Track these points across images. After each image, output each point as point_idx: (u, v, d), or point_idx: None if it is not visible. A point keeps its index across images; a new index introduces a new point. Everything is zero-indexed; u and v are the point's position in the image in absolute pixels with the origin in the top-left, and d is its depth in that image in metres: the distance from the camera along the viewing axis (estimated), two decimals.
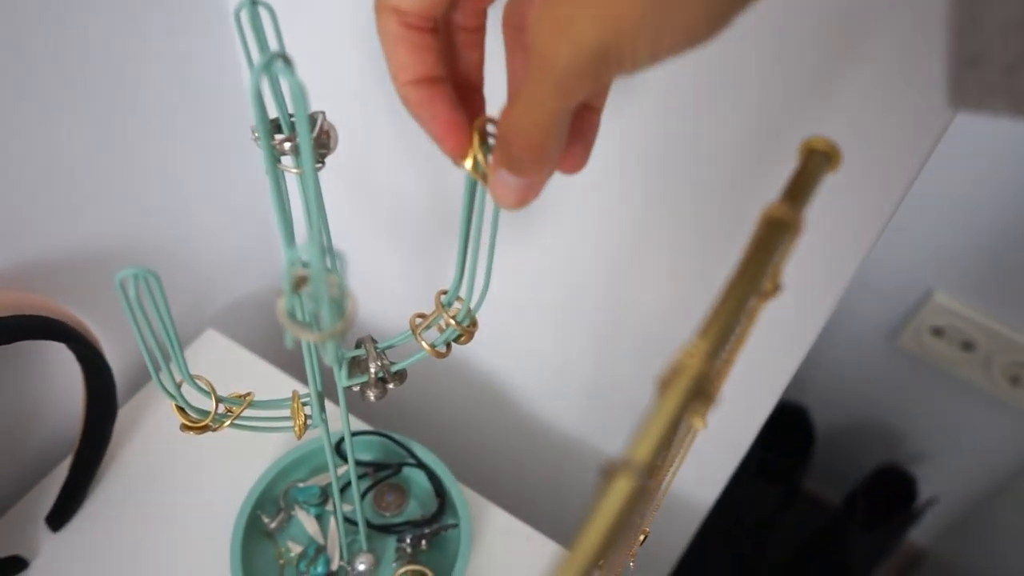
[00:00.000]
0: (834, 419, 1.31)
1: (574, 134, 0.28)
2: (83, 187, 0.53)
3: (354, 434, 0.62)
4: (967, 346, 1.08)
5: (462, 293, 0.39)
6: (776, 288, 0.27)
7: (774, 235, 0.24)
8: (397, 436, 0.61)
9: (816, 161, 0.26)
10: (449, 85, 0.29)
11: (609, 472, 0.19)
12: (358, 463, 0.61)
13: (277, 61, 0.27)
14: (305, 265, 0.27)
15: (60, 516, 0.57)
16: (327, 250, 0.26)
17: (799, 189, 0.25)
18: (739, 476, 1.17)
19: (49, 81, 0.47)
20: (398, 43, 0.28)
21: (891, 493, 1.21)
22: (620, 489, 0.19)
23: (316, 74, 0.55)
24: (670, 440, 0.22)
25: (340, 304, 0.27)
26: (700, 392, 0.21)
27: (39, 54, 0.46)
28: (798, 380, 1.30)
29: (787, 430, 1.24)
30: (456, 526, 0.58)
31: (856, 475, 1.30)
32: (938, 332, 1.09)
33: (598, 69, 0.23)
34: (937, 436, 1.24)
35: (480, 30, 0.30)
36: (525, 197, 0.29)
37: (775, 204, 0.24)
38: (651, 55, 0.22)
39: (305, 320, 0.36)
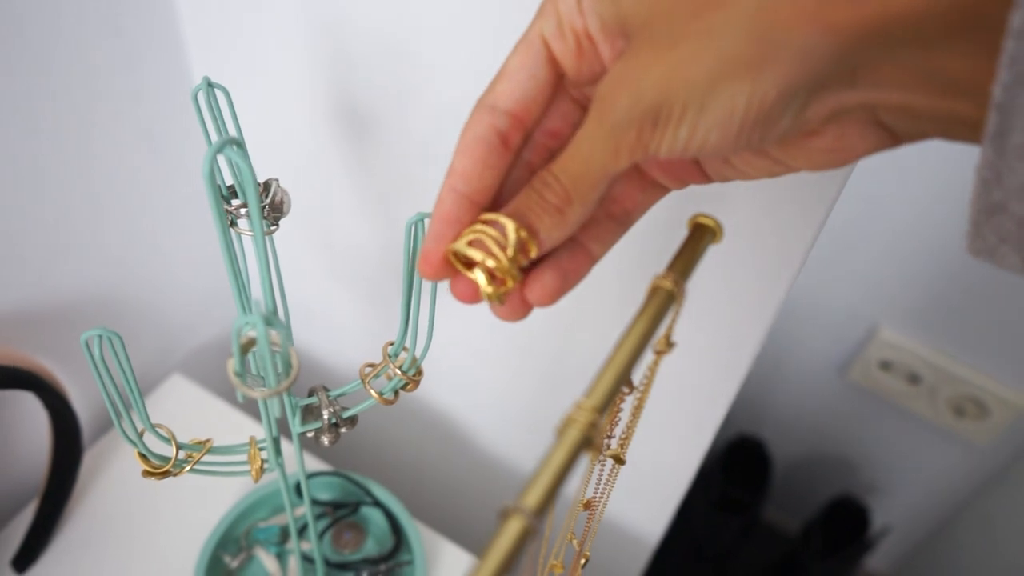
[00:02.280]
0: (791, 451, 1.35)
1: (557, 265, 0.29)
2: (51, 240, 0.56)
3: (313, 475, 0.64)
4: (913, 379, 1.13)
5: (408, 344, 0.42)
6: (670, 345, 0.30)
7: (659, 301, 0.27)
8: (354, 476, 0.64)
9: (701, 234, 0.29)
10: (475, 214, 0.29)
11: (504, 514, 0.22)
12: (316, 503, 0.64)
13: (229, 145, 0.30)
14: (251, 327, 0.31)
15: (26, 558, 0.59)
16: (269, 315, 0.29)
17: (684, 260, 0.29)
18: (699, 507, 1.21)
19: (18, 139, 0.50)
20: (476, 146, 0.28)
21: (846, 522, 1.24)
22: (512, 529, 0.22)
23: (275, 135, 0.58)
24: (569, 481, 0.25)
25: (285, 363, 0.30)
26: (587, 443, 0.24)
27: (6, 117, 0.49)
28: (755, 414, 1.34)
29: (746, 462, 1.28)
30: (411, 562, 0.60)
31: (813, 505, 1.34)
32: (885, 366, 1.14)
33: (646, 124, 0.25)
34: (889, 466, 1.28)
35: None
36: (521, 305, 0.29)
37: (660, 275, 0.28)
38: (690, 132, 0.25)
39: (258, 374, 0.39)
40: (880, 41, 0.22)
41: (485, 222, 0.27)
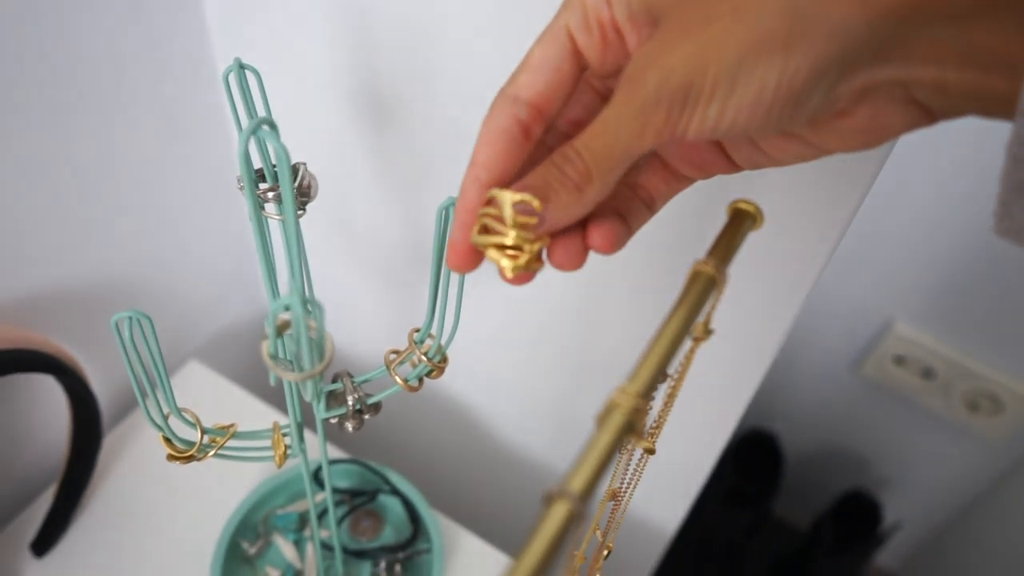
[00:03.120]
0: (802, 446, 1.35)
1: (619, 212, 0.30)
2: (71, 224, 0.55)
3: (332, 462, 0.64)
4: (927, 374, 1.12)
5: (433, 331, 0.42)
6: (708, 333, 0.30)
7: (700, 287, 0.27)
8: (373, 464, 0.64)
9: (741, 220, 0.29)
10: None
11: (548, 498, 0.22)
12: (335, 490, 0.64)
13: (263, 126, 0.30)
14: (288, 310, 0.30)
15: (45, 542, 0.59)
16: (308, 298, 0.29)
17: (724, 246, 0.28)
18: (710, 501, 1.20)
19: (41, 125, 0.50)
20: (499, 136, 0.28)
21: (857, 518, 1.24)
22: (557, 514, 0.22)
23: (299, 120, 0.58)
24: (611, 467, 0.25)
25: (319, 347, 0.30)
26: (631, 428, 0.24)
27: (33, 99, 0.49)
28: (767, 408, 1.33)
29: (757, 456, 1.28)
30: (429, 551, 0.60)
31: (824, 500, 1.33)
32: (899, 361, 1.13)
33: (676, 102, 0.24)
34: (901, 462, 1.27)
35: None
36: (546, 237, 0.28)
37: (701, 260, 0.27)
38: (719, 110, 0.24)
39: (287, 358, 0.39)
40: (915, 16, 0.22)
41: (487, 203, 0.28)
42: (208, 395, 0.70)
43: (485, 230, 0.27)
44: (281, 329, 0.30)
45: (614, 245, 0.29)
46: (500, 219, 0.27)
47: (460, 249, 0.28)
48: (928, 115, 0.25)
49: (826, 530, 1.24)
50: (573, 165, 0.27)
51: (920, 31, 0.22)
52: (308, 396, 0.33)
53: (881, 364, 1.15)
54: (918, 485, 1.28)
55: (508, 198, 0.26)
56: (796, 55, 0.23)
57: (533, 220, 0.27)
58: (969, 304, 1.04)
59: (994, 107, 0.23)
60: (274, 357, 0.30)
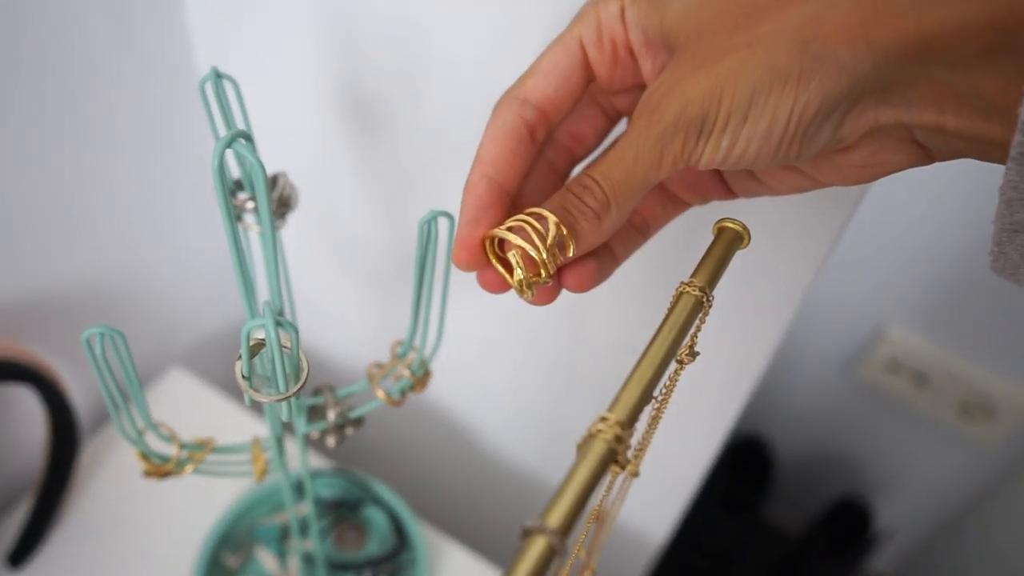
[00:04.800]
0: (795, 451, 1.34)
1: (593, 255, 0.30)
2: (49, 228, 0.54)
3: (316, 473, 0.63)
4: (921, 379, 1.12)
5: (417, 343, 0.41)
6: (694, 355, 0.29)
7: (685, 309, 0.26)
8: (357, 474, 0.63)
9: (727, 239, 0.28)
10: (507, 202, 0.29)
11: (527, 533, 0.21)
12: (319, 501, 0.63)
13: (238, 139, 0.29)
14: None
15: (22, 553, 0.58)
16: (281, 318, 0.28)
17: (710, 266, 0.27)
18: (702, 507, 1.20)
19: (18, 125, 0.49)
20: (507, 136, 0.28)
21: (850, 523, 1.23)
22: (536, 548, 0.21)
23: (284, 125, 0.57)
24: (592, 495, 0.24)
25: (294, 368, 0.29)
26: (612, 457, 0.23)
27: (10, 105, 0.48)
28: (760, 413, 1.33)
29: (749, 462, 1.27)
30: (414, 563, 0.59)
31: (816, 505, 1.33)
32: (892, 366, 1.13)
33: (691, 132, 0.25)
34: (894, 467, 1.27)
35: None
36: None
37: (686, 281, 0.27)
38: (731, 141, 0.25)
39: (262, 375, 0.38)
40: (918, 58, 0.23)
41: (528, 214, 0.27)
42: (191, 403, 0.69)
43: (515, 231, 0.27)
44: (255, 349, 0.29)
45: (588, 285, 0.29)
46: (540, 234, 0.26)
47: (470, 243, 0.28)
48: (927, 156, 0.26)
49: (819, 536, 1.23)
50: (592, 194, 0.27)
51: (924, 73, 0.23)
52: (285, 416, 0.32)
53: (874, 370, 1.14)
54: (911, 491, 1.27)
55: (555, 223, 0.26)
56: (807, 91, 0.24)
57: (561, 259, 0.27)
58: (964, 310, 1.03)
59: (989, 152, 0.24)
60: (247, 378, 0.29)
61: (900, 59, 0.23)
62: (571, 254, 0.27)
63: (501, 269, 0.28)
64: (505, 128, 0.28)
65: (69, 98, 0.51)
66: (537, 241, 0.26)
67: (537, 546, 0.21)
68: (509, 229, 0.27)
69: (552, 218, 0.26)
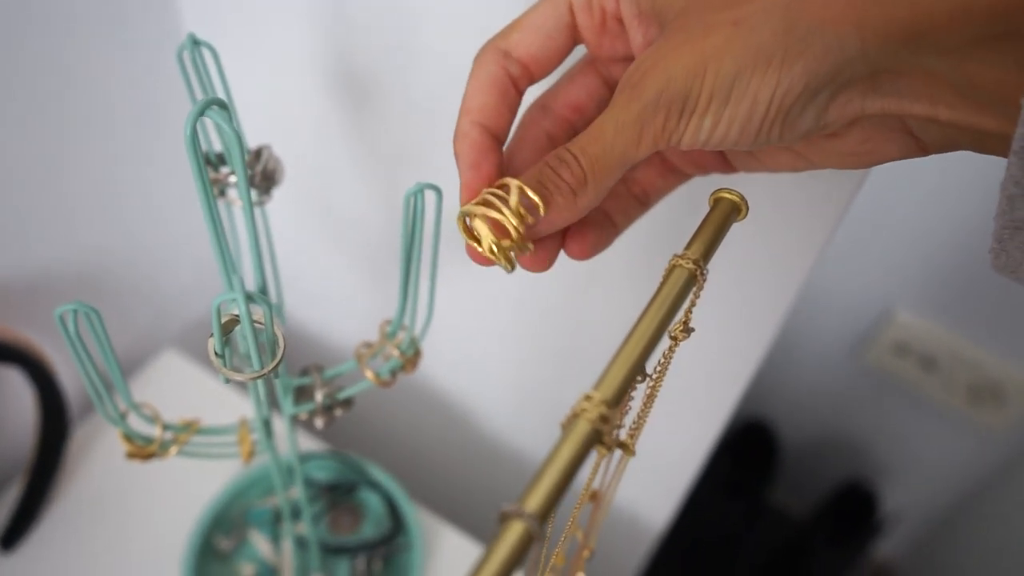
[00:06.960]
0: (800, 435, 1.33)
1: (595, 221, 0.30)
2: (36, 205, 0.53)
3: (309, 455, 0.62)
4: (929, 363, 1.10)
5: (406, 322, 0.40)
6: (688, 331, 0.28)
7: (677, 283, 0.25)
8: (352, 457, 0.62)
9: (724, 210, 0.27)
10: (501, 150, 0.29)
11: (504, 517, 0.20)
12: (313, 484, 0.62)
13: (212, 107, 0.28)
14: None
15: (13, 536, 0.57)
16: (254, 293, 0.27)
17: (705, 238, 0.26)
18: (705, 492, 1.19)
19: (13, 112, 0.48)
20: (492, 85, 0.28)
21: (856, 508, 1.22)
22: (512, 534, 0.20)
23: (275, 100, 0.56)
24: (579, 477, 0.23)
25: (271, 345, 0.28)
26: (597, 438, 0.22)
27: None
28: (765, 396, 1.32)
29: (753, 446, 1.26)
30: (410, 546, 0.59)
31: (822, 490, 1.32)
32: (900, 349, 1.11)
33: (673, 111, 0.25)
34: (901, 452, 1.26)
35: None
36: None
37: (679, 254, 0.25)
38: (713, 122, 0.24)
39: (244, 354, 0.36)
40: (909, 44, 0.22)
41: (495, 187, 0.27)
42: (185, 386, 0.68)
43: (480, 203, 0.26)
44: (228, 326, 0.28)
45: (589, 253, 0.29)
46: (505, 202, 0.26)
47: (475, 189, 0.28)
48: (921, 147, 0.26)
49: (824, 521, 1.22)
50: (569, 169, 0.26)
51: (916, 61, 0.22)
52: (260, 395, 0.31)
53: (881, 353, 1.13)
54: (918, 475, 1.26)
55: (517, 186, 0.26)
56: (790, 73, 0.23)
57: (531, 219, 0.26)
58: (972, 293, 1.02)
59: (987, 144, 0.23)
60: (221, 356, 0.28)
61: (890, 44, 0.22)
62: (542, 213, 0.26)
63: (474, 244, 0.27)
64: (490, 77, 0.28)
65: (59, 77, 0.49)
66: (499, 204, 0.26)
67: (514, 531, 0.20)
68: (476, 203, 0.26)
69: (514, 183, 0.26)
